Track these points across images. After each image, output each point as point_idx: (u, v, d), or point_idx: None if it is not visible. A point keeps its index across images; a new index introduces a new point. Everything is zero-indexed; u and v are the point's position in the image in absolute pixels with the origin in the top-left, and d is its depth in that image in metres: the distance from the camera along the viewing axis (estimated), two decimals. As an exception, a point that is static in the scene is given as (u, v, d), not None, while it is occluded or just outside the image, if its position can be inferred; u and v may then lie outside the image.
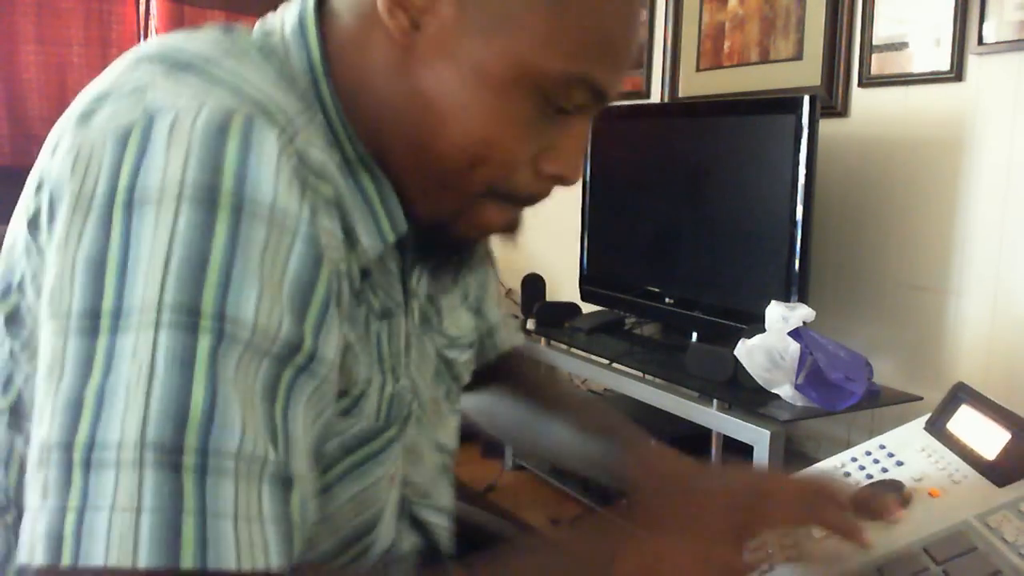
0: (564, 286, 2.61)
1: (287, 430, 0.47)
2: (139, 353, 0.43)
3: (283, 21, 0.61)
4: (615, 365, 2.10)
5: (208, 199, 0.46)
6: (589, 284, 2.45)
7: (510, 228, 0.64)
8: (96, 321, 0.44)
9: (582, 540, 0.65)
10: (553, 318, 2.41)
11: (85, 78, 2.69)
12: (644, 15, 2.35)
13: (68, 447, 0.43)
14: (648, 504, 0.72)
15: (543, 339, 2.37)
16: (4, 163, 2.61)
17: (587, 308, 2.43)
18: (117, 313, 0.44)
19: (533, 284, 2.60)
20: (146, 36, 2.84)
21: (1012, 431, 0.71)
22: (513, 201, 0.61)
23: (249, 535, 0.44)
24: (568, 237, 2.54)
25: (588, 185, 2.41)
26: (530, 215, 0.67)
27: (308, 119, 0.54)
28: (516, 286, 2.71)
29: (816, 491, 0.65)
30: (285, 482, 0.46)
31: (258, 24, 0.62)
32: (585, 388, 2.60)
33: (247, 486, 0.44)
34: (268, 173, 0.47)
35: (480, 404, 0.95)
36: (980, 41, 1.72)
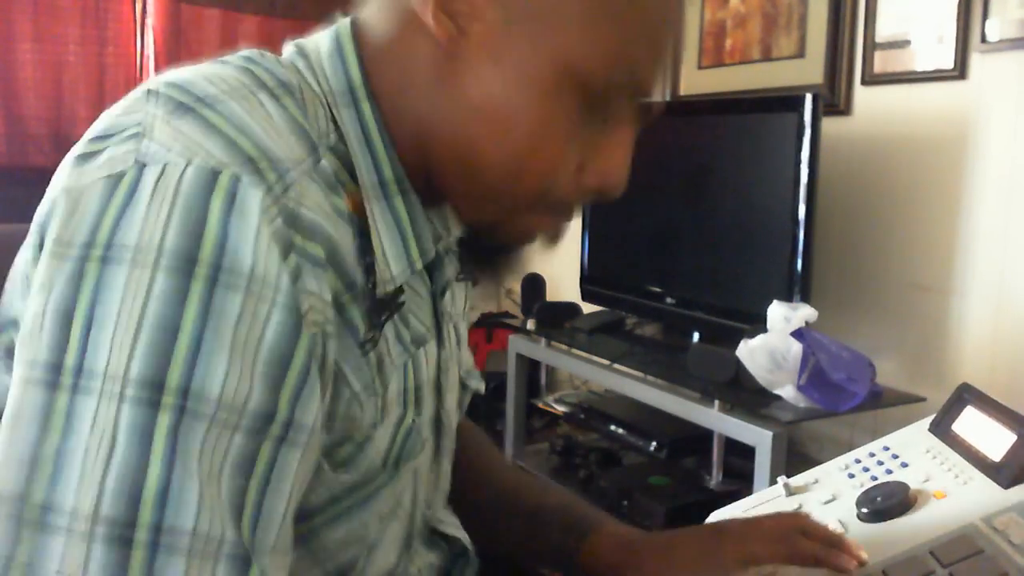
0: (564, 286, 2.60)
1: (262, 505, 0.46)
2: (100, 422, 0.43)
3: (318, 44, 0.59)
4: (616, 366, 2.10)
5: (184, 268, 0.44)
6: (590, 284, 2.45)
7: (552, 237, 0.64)
8: (57, 376, 0.44)
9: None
10: (553, 318, 2.40)
11: (82, 76, 2.71)
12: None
13: (21, 502, 0.42)
14: (642, 545, 0.74)
15: (543, 339, 2.36)
16: (1, 162, 2.60)
17: (588, 308, 2.42)
18: (78, 372, 0.43)
19: (533, 284, 2.59)
20: (143, 34, 2.83)
21: (1018, 432, 0.71)
22: (555, 211, 0.61)
23: None
24: (568, 237, 2.52)
25: (589, 184, 2.41)
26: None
27: (310, 167, 0.52)
28: (516, 286, 2.70)
29: (789, 527, 0.70)
30: (243, 562, 0.45)
31: (292, 47, 0.60)
32: (586, 389, 2.59)
33: (200, 564, 0.43)
34: (248, 238, 0.46)
35: None
36: (983, 39, 1.71)
